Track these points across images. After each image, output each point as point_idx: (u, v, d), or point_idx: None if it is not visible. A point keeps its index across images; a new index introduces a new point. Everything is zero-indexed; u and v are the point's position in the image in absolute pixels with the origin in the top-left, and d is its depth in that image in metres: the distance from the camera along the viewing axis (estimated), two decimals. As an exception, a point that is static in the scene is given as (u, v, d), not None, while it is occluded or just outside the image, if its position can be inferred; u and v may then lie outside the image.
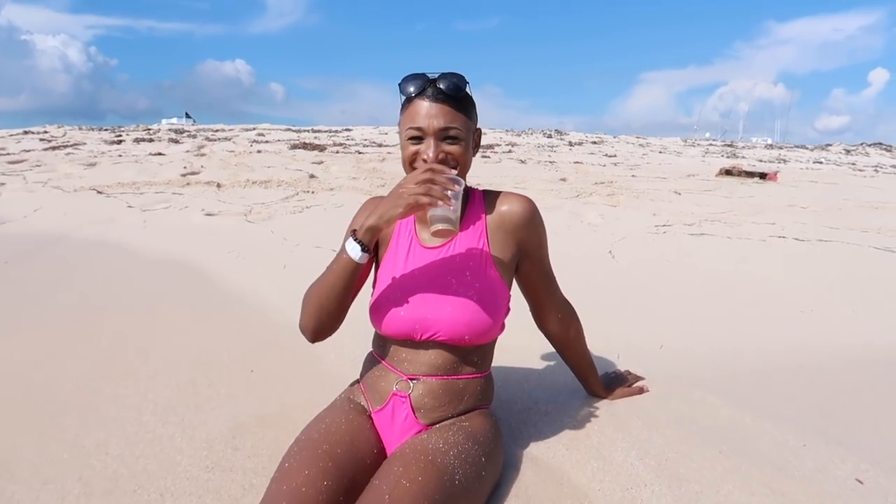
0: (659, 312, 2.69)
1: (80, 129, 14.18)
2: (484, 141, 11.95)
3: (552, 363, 1.93)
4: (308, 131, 14.30)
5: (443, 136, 1.20)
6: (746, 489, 1.24)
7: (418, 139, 1.21)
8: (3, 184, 6.03)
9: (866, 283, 3.22)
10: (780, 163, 12.51)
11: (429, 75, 1.22)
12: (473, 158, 1.28)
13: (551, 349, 1.56)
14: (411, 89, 1.21)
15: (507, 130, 17.82)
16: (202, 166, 7.22)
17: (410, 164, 1.23)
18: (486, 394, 1.33)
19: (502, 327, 1.32)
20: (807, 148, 19.04)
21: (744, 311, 2.74)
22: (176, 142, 10.69)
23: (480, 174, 7.15)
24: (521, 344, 1.79)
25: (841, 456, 1.37)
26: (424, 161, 1.19)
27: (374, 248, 1.28)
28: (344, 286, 1.22)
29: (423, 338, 1.24)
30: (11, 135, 12.13)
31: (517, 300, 1.36)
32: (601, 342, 1.97)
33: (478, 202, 1.33)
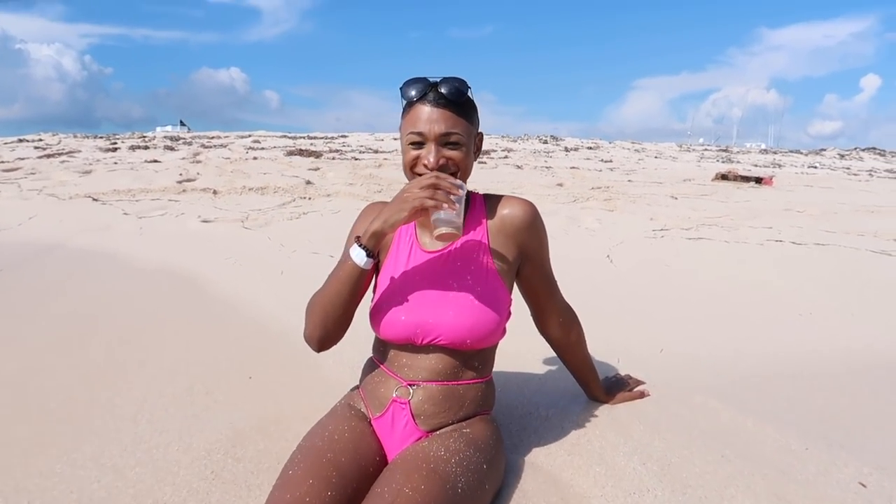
0: (658, 317, 2.68)
1: (75, 136, 14.15)
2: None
3: (552, 368, 1.92)
4: (304, 138, 14.31)
5: (444, 141, 1.19)
6: (750, 494, 1.22)
7: (419, 144, 1.20)
8: (-3, 192, 6.01)
9: (864, 286, 3.23)
10: (775, 167, 12.58)
11: (430, 79, 1.21)
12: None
13: (551, 354, 1.55)
14: (413, 93, 1.20)
15: (503, 136, 17.87)
16: (198, 173, 7.21)
17: (411, 168, 1.22)
18: (487, 399, 1.32)
19: (503, 332, 1.31)
20: (801, 153, 19.16)
21: (743, 314, 2.74)
22: (171, 149, 10.68)
23: (477, 180, 7.15)
24: (520, 349, 1.78)
25: (844, 459, 1.36)
26: (425, 166, 1.19)
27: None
28: (349, 293, 1.21)
29: (424, 342, 1.22)
30: (6, 143, 12.09)
31: (517, 304, 1.35)
32: (601, 347, 1.96)
33: (479, 206, 1.32)
